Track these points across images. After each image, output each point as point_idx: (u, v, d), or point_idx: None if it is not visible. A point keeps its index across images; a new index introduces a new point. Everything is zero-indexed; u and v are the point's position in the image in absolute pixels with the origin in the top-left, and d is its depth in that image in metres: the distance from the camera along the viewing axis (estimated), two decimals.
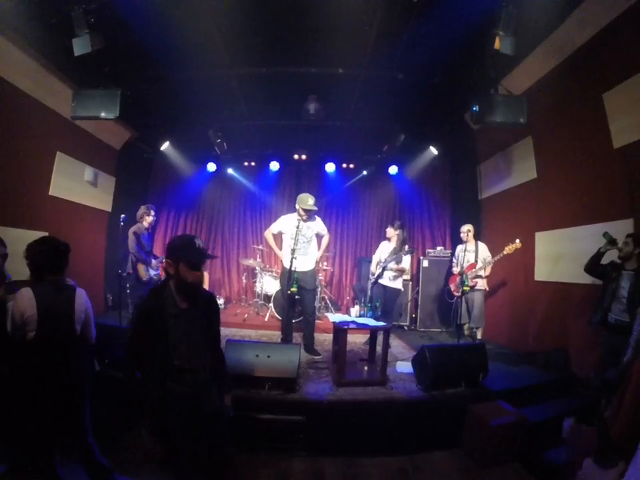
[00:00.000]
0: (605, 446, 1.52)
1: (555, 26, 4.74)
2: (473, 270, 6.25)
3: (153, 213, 6.31)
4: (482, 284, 6.30)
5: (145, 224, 6.21)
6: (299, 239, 5.38)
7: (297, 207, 5.48)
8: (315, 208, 5.50)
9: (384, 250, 6.46)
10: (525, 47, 4.91)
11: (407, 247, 6.17)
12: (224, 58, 5.53)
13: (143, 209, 6.26)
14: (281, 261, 5.79)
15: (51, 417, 2.60)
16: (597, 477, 1.44)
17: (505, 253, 5.90)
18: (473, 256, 6.39)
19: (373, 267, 6.52)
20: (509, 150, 6.73)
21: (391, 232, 6.44)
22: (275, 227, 5.77)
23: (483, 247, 6.50)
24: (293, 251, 5.28)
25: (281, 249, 5.75)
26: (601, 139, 4.72)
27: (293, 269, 5.26)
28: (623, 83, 4.35)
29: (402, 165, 8.97)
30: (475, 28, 4.53)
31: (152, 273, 6.13)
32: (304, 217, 5.46)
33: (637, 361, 1.86)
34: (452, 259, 7.12)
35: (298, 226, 5.40)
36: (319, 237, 5.79)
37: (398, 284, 6.28)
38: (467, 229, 6.54)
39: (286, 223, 5.65)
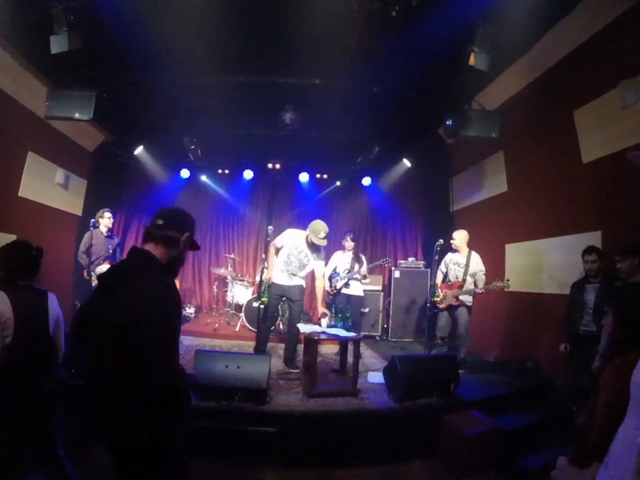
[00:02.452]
0: (580, 451, 1.54)
1: (530, 45, 4.91)
2: (460, 289, 5.57)
3: (108, 215, 6.04)
4: (469, 300, 5.66)
5: (102, 227, 5.95)
6: (292, 260, 5.31)
7: (308, 232, 5.29)
8: (324, 243, 5.29)
9: (340, 259, 6.42)
10: (499, 64, 5.06)
11: (382, 260, 6.34)
12: (202, 65, 5.49)
13: (99, 213, 6.03)
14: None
15: (24, 425, 2.46)
16: (572, 477, 1.46)
17: (491, 287, 5.32)
18: (462, 272, 5.62)
19: (327, 275, 6.33)
20: (482, 164, 6.87)
21: (349, 242, 6.42)
22: (279, 241, 5.50)
23: (475, 259, 5.67)
24: (265, 261, 5.21)
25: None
26: (570, 154, 4.87)
27: (263, 279, 5.22)
28: (593, 101, 4.53)
29: (375, 177, 9.06)
30: (451, 44, 4.62)
31: (93, 277, 5.62)
32: (310, 245, 5.32)
33: (605, 372, 1.92)
34: (438, 267, 5.93)
35: (297, 246, 5.33)
36: (312, 274, 5.55)
37: (360, 291, 6.30)
38: (460, 236, 5.77)
39: (291, 238, 5.44)
